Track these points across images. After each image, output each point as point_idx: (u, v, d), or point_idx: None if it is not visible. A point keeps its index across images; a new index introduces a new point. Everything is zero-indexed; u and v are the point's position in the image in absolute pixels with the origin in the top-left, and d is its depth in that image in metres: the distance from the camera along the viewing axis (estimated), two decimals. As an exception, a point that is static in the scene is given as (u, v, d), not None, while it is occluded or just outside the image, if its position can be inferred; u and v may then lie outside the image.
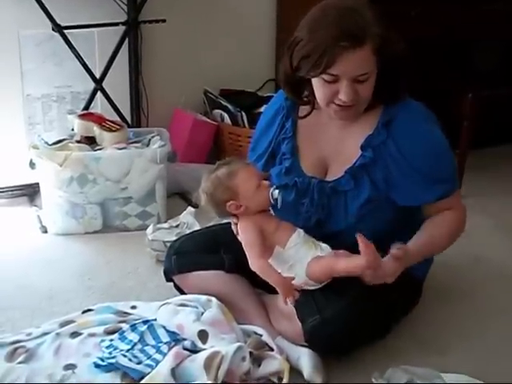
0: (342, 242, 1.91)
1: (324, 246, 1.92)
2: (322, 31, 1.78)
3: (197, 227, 2.55)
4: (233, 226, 2.00)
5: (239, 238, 1.96)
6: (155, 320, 1.95)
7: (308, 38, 1.81)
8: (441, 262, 2.18)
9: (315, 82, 1.86)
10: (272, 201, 1.92)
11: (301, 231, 1.93)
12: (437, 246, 1.98)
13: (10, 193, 3.17)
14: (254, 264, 1.87)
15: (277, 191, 1.92)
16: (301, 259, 1.88)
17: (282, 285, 1.82)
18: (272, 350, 1.89)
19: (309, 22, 1.84)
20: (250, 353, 1.80)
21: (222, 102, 3.51)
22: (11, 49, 3.11)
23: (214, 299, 1.96)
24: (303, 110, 2.02)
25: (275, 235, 1.92)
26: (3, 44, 3.09)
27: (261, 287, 2.08)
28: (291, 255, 1.90)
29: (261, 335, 1.93)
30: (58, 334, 1.95)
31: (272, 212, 1.99)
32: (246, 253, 1.90)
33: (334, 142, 2.00)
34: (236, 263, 2.05)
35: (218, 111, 3.53)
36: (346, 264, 1.81)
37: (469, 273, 2.51)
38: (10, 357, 1.86)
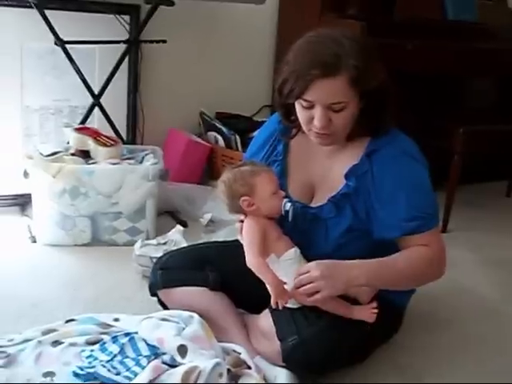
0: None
1: None
2: (300, 57, 1.83)
3: (184, 245, 2.56)
4: (237, 224, 2.03)
5: (240, 236, 1.99)
6: (136, 333, 1.96)
7: (288, 63, 1.86)
8: (424, 291, 2.19)
9: (296, 106, 1.90)
10: (282, 212, 1.96)
11: (298, 250, 1.96)
12: (390, 278, 1.90)
13: (1, 201, 3.20)
14: (252, 261, 1.89)
15: (289, 204, 1.97)
16: (290, 276, 1.89)
17: (275, 285, 1.84)
18: (250, 368, 1.90)
19: (293, 48, 1.88)
20: (228, 370, 1.81)
21: (217, 125, 3.56)
22: (14, 60, 3.16)
23: (195, 315, 1.97)
24: (293, 132, 2.06)
25: (274, 244, 1.95)
26: (7, 55, 3.14)
27: (243, 307, 2.12)
28: (283, 267, 1.92)
29: (239, 353, 1.94)
30: (39, 341, 1.96)
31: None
32: (245, 250, 1.93)
33: (322, 169, 2.02)
34: (221, 281, 2.07)
35: (212, 133, 3.58)
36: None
37: (452, 303, 2.55)
38: (-9, 361, 1.88)
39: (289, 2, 3.77)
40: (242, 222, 2.01)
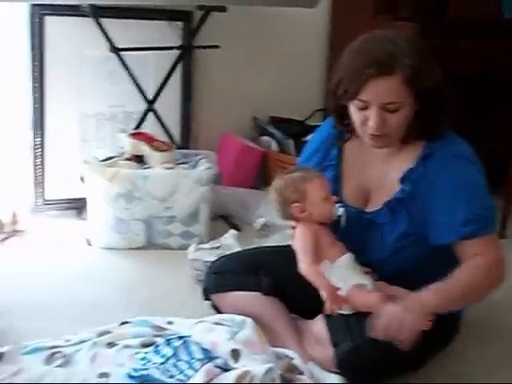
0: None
1: (369, 276, 1.94)
2: (354, 57, 1.83)
3: (237, 249, 2.57)
4: (289, 230, 2.03)
5: (292, 242, 1.99)
6: (190, 336, 1.97)
7: (343, 63, 1.86)
8: (485, 300, 2.09)
9: (351, 108, 1.89)
10: (335, 217, 1.96)
11: (352, 255, 1.95)
12: (457, 294, 1.84)
13: (59, 205, 3.26)
14: (304, 267, 1.90)
15: (341, 209, 1.97)
16: (344, 281, 1.89)
17: (328, 291, 1.84)
18: (302, 373, 1.89)
19: (348, 49, 1.88)
20: (281, 375, 1.80)
21: (270, 129, 3.56)
22: (72, 68, 3.22)
23: (248, 320, 1.97)
24: (347, 136, 2.05)
25: (327, 250, 1.95)
26: (65, 64, 3.20)
27: (296, 312, 2.11)
28: (336, 273, 1.91)
29: (292, 358, 1.93)
30: (95, 342, 1.98)
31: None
32: (298, 257, 1.93)
33: (377, 174, 2.00)
34: (274, 286, 2.07)
35: (265, 138, 3.58)
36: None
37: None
38: (48, 360, 1.90)
39: (341, 5, 3.75)
40: (294, 228, 2.01)
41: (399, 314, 1.76)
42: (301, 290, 1.94)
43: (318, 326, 1.96)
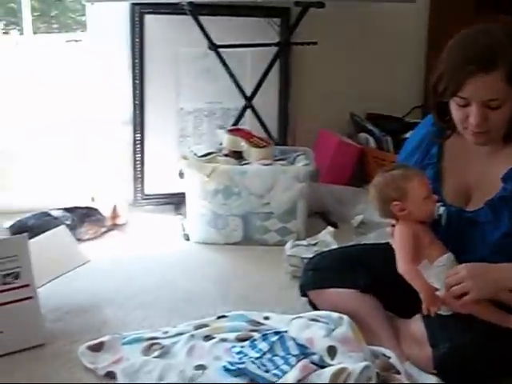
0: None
1: None
2: (454, 54, 1.78)
3: (334, 246, 2.57)
4: (388, 228, 2.01)
5: (391, 241, 1.97)
6: (286, 332, 1.97)
7: (443, 60, 1.82)
8: None
9: (451, 104, 1.84)
10: (435, 216, 1.93)
11: (451, 255, 1.91)
12: None
13: (157, 200, 3.33)
14: (403, 267, 1.88)
15: (442, 208, 1.93)
16: (442, 281, 1.84)
17: (426, 291, 1.82)
18: (399, 373, 1.86)
19: (448, 45, 1.83)
20: (377, 374, 1.78)
21: (368, 126, 3.52)
22: (170, 65, 3.28)
23: (345, 317, 1.95)
24: (447, 133, 2.00)
25: (427, 250, 1.91)
26: (164, 61, 3.27)
27: (393, 310, 2.08)
28: (435, 274, 1.87)
29: (389, 357, 1.90)
30: (192, 335, 2.02)
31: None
32: (397, 255, 1.91)
33: (479, 172, 1.95)
34: (371, 284, 2.05)
35: (363, 134, 3.54)
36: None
37: None
38: (146, 351, 1.95)
39: (441, 0, 3.66)
40: (393, 226, 1.98)
41: (471, 277, 1.77)
42: (398, 288, 1.90)
43: (416, 326, 1.93)
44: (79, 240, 2.72)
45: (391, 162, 3.19)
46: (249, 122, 3.30)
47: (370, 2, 3.28)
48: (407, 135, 3.23)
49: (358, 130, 3.59)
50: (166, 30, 3.24)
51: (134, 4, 3.18)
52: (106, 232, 3.00)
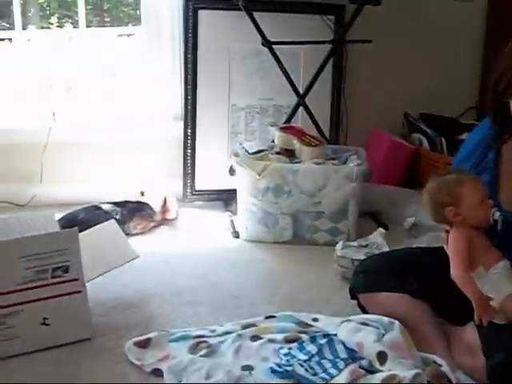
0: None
1: None
2: None
3: (385, 248, 2.53)
4: (442, 234, 1.98)
5: (445, 246, 1.93)
6: (335, 335, 1.94)
7: (505, 58, 1.77)
8: None
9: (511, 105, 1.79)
10: (491, 222, 1.88)
11: (507, 262, 1.87)
12: None
13: (207, 196, 3.32)
14: (456, 274, 1.84)
15: (498, 213, 1.88)
16: (498, 289, 1.81)
17: (479, 300, 1.78)
18: (451, 382, 1.81)
19: (511, 44, 1.78)
20: (428, 382, 1.74)
21: (422, 126, 3.46)
22: (222, 61, 3.27)
23: (396, 322, 1.91)
24: (506, 137, 1.95)
25: (482, 257, 1.87)
26: (216, 57, 3.26)
27: (444, 316, 2.03)
28: (491, 281, 1.83)
29: (440, 365, 1.86)
30: (239, 335, 2.00)
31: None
32: (451, 262, 1.87)
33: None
34: (423, 288, 2.00)
35: (416, 135, 3.48)
36: None
37: None
38: (193, 349, 1.94)
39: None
40: (447, 232, 1.94)
41: None
42: (451, 294, 1.87)
43: (469, 334, 1.88)
44: (128, 234, 2.72)
45: (444, 164, 3.15)
46: (301, 120, 3.26)
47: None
48: (462, 137, 3.18)
49: (412, 130, 3.54)
50: (219, 26, 3.24)
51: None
52: (155, 227, 3.00)
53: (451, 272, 1.86)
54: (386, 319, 1.94)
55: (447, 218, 1.91)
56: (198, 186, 3.34)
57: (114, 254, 2.27)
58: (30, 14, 3.55)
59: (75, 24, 3.40)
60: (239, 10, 3.01)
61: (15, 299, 1.89)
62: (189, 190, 3.33)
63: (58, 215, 2.79)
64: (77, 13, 3.31)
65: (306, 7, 3.25)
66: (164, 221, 3.05)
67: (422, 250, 2.28)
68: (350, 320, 1.98)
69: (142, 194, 3.09)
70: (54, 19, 3.60)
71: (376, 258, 2.21)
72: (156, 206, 3.01)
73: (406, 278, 2.04)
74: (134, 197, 3.06)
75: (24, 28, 3.34)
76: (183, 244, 2.85)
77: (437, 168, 3.25)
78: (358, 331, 1.91)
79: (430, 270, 2.02)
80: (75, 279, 1.96)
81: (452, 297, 1.88)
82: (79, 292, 1.98)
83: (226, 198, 3.25)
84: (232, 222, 3.03)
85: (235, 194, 2.94)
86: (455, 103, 3.66)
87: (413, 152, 3.42)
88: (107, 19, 3.70)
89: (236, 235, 2.92)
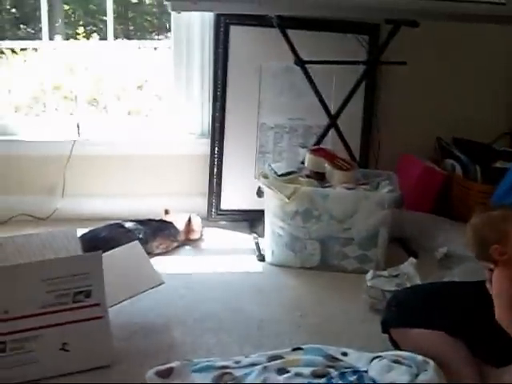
0: None
1: None
2: None
3: (417, 280, 2.43)
4: (486, 273, 1.88)
5: (488, 285, 1.85)
6: (366, 372, 1.85)
7: None
8: None
9: None
10: None
11: None
12: None
13: (232, 216, 3.25)
14: (503, 315, 1.76)
15: None
16: None
17: None
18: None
19: None
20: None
21: (455, 152, 3.37)
22: (252, 79, 3.22)
23: (431, 362, 1.82)
24: None
25: None
26: (246, 74, 3.21)
27: (479, 356, 1.92)
28: None
29: (477, 409, 1.78)
30: (265, 367, 1.91)
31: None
32: (495, 302, 1.79)
33: None
34: (460, 326, 1.91)
35: (449, 161, 3.39)
36: None
37: None
38: (217, 380, 1.86)
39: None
40: (491, 270, 1.84)
41: None
42: (490, 333, 1.79)
43: (510, 377, 1.80)
44: (150, 254, 2.65)
45: (478, 192, 3.06)
46: (331, 142, 3.19)
47: (472, 22, 3.09)
48: (497, 164, 3.09)
49: (444, 155, 3.44)
50: (251, 42, 3.19)
51: (219, 14, 3.12)
52: (178, 247, 2.93)
53: (496, 314, 1.77)
54: (419, 358, 1.85)
55: (492, 256, 1.82)
56: (223, 206, 3.27)
57: (138, 279, 2.20)
58: (57, 24, 3.51)
59: (101, 34, 3.35)
60: (272, 27, 2.95)
61: (35, 323, 1.83)
62: (214, 210, 3.27)
63: (80, 230, 2.73)
64: (102, 21, 3.26)
65: (339, 26, 3.19)
66: (188, 241, 2.98)
67: (458, 284, 2.19)
68: (381, 357, 1.89)
69: (167, 212, 3.02)
70: (81, 29, 3.57)
71: (411, 292, 2.13)
72: (180, 226, 2.94)
73: (442, 313, 1.95)
74: (157, 214, 2.99)
75: (51, 38, 3.29)
76: (207, 267, 2.78)
77: (469, 196, 3.17)
78: (390, 370, 1.82)
79: (468, 306, 1.93)
80: (97, 304, 1.89)
81: (491, 336, 1.80)
82: (101, 317, 1.91)
83: (251, 219, 3.17)
84: (257, 244, 2.96)
85: (261, 214, 2.86)
86: (488, 128, 3.57)
87: (445, 178, 3.32)
88: (131, 27, 3.66)
89: (261, 258, 2.85)
